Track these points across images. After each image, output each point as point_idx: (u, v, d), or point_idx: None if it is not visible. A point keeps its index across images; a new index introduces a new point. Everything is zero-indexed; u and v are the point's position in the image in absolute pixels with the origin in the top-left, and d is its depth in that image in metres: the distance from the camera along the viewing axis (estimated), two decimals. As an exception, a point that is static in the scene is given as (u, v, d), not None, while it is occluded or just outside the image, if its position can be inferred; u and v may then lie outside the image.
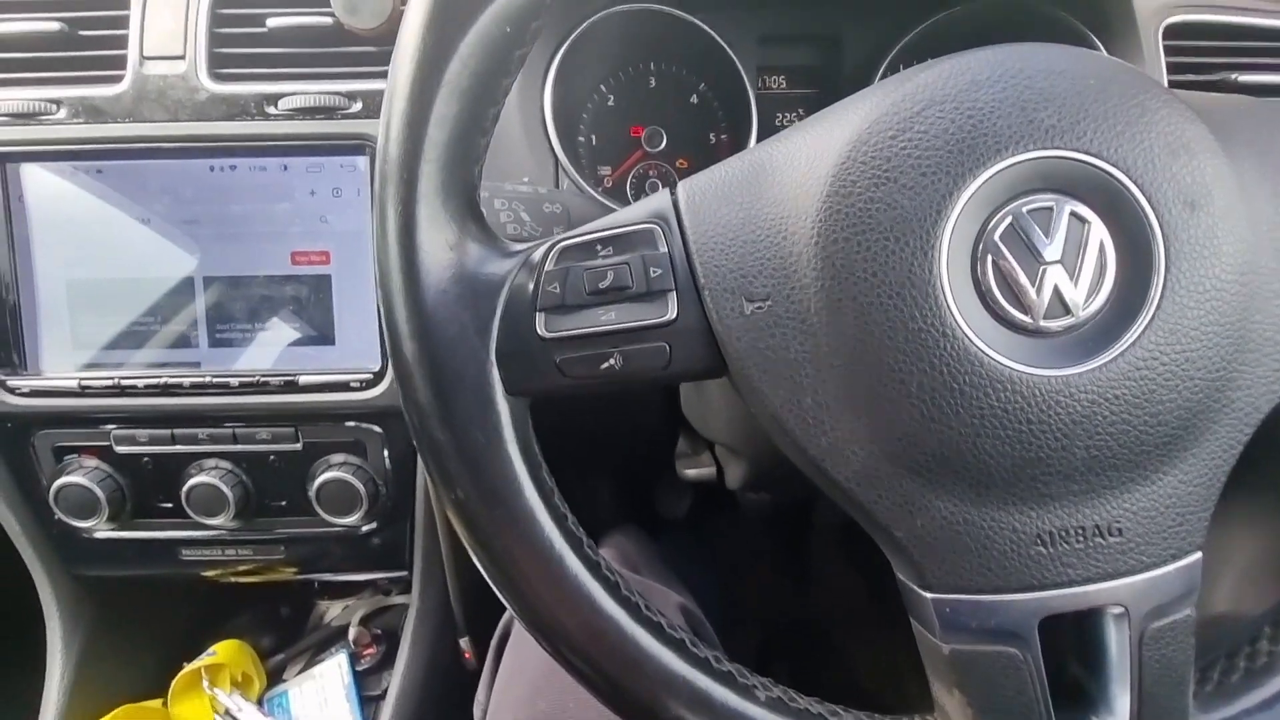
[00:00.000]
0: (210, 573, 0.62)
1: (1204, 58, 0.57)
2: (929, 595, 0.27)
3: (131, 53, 0.51)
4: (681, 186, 0.30)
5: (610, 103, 0.65)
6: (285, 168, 0.52)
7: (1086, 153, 0.25)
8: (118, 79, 0.52)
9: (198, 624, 0.72)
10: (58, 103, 0.51)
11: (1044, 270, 0.25)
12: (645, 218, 0.29)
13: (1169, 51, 0.56)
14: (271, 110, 0.51)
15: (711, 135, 0.66)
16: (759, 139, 0.61)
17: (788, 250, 0.27)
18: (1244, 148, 0.27)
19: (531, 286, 0.28)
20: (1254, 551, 0.65)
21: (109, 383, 0.53)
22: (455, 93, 0.27)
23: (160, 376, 0.53)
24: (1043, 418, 0.25)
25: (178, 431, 0.54)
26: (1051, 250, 0.25)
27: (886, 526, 0.27)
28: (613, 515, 0.88)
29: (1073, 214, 0.25)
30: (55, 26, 0.52)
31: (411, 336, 0.27)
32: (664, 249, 0.28)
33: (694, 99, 0.65)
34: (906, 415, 0.26)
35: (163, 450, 0.55)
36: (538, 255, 0.29)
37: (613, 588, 0.29)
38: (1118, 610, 0.27)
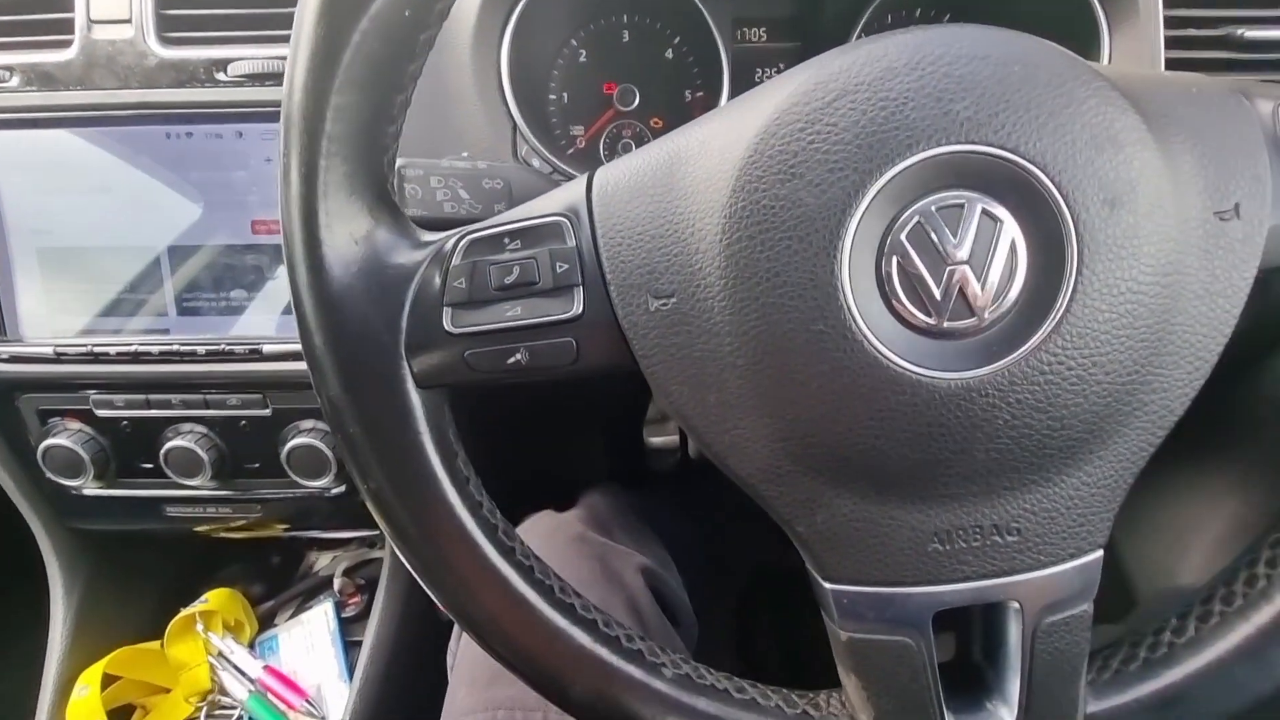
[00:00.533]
0: (200, 528, 0.65)
1: (1207, 10, 0.53)
2: (828, 586, 0.28)
3: (79, 17, 0.50)
4: (597, 176, 0.29)
5: (582, 58, 0.63)
6: (240, 135, 0.52)
7: (1002, 148, 0.24)
8: (67, 44, 0.51)
9: (192, 572, 0.76)
10: (10, 70, 0.51)
11: (950, 271, 0.24)
12: (556, 209, 0.28)
13: (1169, 4, 0.52)
14: (221, 76, 0.50)
15: (687, 93, 0.63)
16: (732, 98, 0.58)
17: (694, 247, 0.26)
18: (1181, 139, 0.26)
19: (439, 281, 0.28)
20: (1225, 525, 0.65)
21: (83, 350, 0.54)
22: (352, 83, 0.26)
23: (131, 344, 0.54)
24: (942, 420, 0.25)
25: (152, 397, 0.56)
26: (960, 250, 0.24)
27: (789, 521, 0.28)
28: (608, 468, 0.90)
29: (985, 212, 0.24)
30: None
31: (318, 331, 0.27)
32: (572, 243, 0.28)
33: (669, 54, 0.63)
34: (807, 416, 0.26)
35: (139, 414, 0.57)
36: (448, 247, 0.28)
37: (526, 571, 0.30)
38: (1015, 605, 0.27)
